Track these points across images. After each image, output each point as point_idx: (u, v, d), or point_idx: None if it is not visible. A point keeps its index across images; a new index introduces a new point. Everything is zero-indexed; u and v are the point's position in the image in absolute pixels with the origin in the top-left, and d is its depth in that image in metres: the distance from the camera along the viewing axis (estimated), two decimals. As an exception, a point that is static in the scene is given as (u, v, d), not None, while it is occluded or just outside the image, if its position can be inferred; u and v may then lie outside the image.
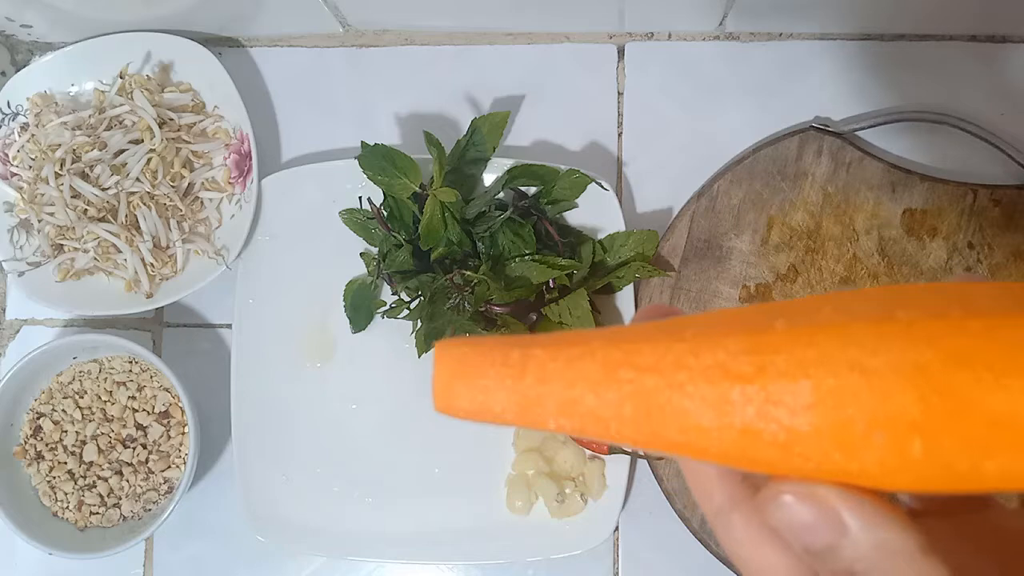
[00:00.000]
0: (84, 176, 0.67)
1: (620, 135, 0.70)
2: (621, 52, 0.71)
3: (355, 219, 0.68)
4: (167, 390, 0.68)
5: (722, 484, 0.24)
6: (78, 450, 0.68)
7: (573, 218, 0.67)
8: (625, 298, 0.66)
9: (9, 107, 0.70)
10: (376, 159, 0.64)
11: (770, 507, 0.22)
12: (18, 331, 0.74)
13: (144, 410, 0.68)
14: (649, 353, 0.22)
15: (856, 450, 0.20)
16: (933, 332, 0.20)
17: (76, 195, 0.67)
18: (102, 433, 0.68)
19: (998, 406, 0.19)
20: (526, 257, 0.62)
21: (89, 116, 0.68)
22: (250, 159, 0.68)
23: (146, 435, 0.68)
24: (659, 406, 0.22)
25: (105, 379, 0.69)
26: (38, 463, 0.68)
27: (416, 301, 0.65)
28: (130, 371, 0.69)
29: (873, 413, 0.20)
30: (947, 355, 0.19)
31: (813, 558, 0.22)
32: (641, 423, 0.22)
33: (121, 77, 0.70)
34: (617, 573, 0.67)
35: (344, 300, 0.68)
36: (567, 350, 0.23)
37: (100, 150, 0.67)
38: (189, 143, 0.69)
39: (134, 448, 0.68)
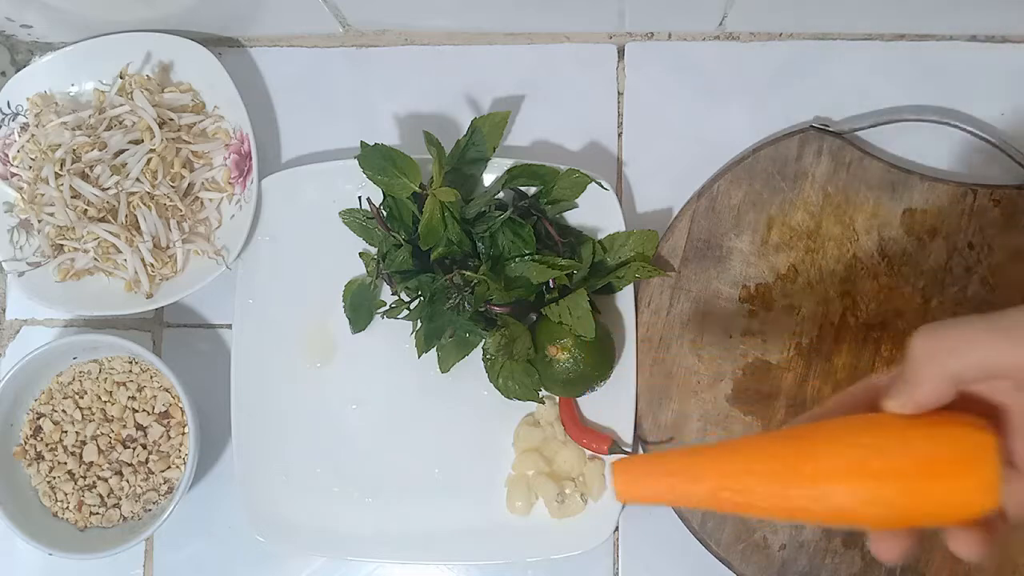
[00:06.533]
0: (84, 176, 0.67)
1: (620, 135, 0.70)
2: (621, 52, 0.71)
3: (355, 219, 0.68)
4: (167, 390, 0.68)
5: None
6: (78, 450, 0.68)
7: (573, 218, 0.67)
8: (625, 298, 0.66)
9: (9, 107, 0.70)
10: (376, 159, 0.64)
11: None
12: (18, 331, 0.74)
13: (144, 410, 0.68)
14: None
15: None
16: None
17: (76, 195, 0.67)
18: (102, 433, 0.68)
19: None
20: (526, 257, 0.62)
21: (89, 116, 0.68)
22: (250, 159, 0.68)
23: (146, 435, 0.68)
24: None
25: (105, 379, 0.69)
26: (38, 463, 0.68)
27: (416, 301, 0.65)
28: (130, 371, 0.69)
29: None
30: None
31: None
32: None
33: (121, 77, 0.70)
34: (617, 573, 0.67)
35: (344, 300, 0.68)
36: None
37: (100, 150, 0.67)
38: (189, 143, 0.69)
39: (134, 448, 0.68)
